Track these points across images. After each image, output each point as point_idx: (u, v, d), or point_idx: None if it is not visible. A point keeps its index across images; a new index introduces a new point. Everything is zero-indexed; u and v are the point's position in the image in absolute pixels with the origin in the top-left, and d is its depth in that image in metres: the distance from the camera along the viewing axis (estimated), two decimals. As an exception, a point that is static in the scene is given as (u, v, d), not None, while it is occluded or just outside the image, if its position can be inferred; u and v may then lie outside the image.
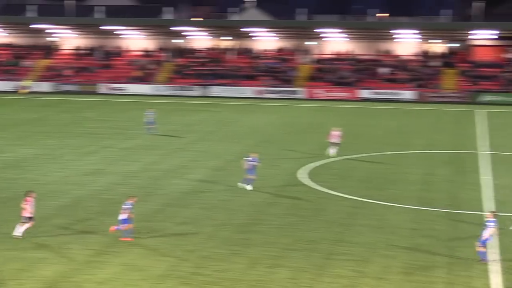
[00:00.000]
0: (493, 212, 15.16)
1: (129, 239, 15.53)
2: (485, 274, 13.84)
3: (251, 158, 22.92)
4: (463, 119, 47.23)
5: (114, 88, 64.54)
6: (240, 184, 23.16)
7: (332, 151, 30.57)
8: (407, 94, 60.80)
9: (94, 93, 64.06)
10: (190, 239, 16.33)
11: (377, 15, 79.20)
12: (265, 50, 69.90)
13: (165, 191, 23.15)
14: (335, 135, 30.46)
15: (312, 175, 27.00)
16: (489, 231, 14.31)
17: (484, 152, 32.79)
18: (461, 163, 30.33)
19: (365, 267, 14.42)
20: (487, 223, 14.41)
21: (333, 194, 23.25)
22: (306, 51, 68.54)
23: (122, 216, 15.34)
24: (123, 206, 15.53)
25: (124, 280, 12.71)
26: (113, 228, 15.71)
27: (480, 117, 47.64)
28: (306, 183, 25.46)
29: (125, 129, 41.15)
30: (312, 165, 29.30)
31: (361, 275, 13.78)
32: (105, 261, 14.14)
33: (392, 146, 35.29)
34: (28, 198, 15.85)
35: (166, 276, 13.12)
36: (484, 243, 14.23)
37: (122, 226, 15.30)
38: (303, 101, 60.70)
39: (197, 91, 63.43)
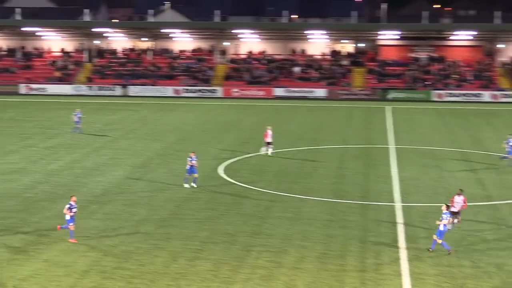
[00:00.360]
0: (447, 205, 15.74)
1: (74, 240, 15.46)
2: (395, 262, 14.45)
3: (192, 158, 23.06)
4: (372, 115, 49.81)
5: (34, 89, 64.38)
6: (186, 185, 23.17)
7: (266, 149, 30.77)
8: (319, 92, 63.09)
9: (14, 93, 63.05)
10: (112, 235, 16.51)
11: (291, 16, 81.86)
12: (183, 51, 71.77)
13: (87, 189, 23.14)
14: (269, 134, 30.56)
15: (230, 170, 27.23)
16: (444, 222, 14.83)
17: (391, 146, 34.79)
18: (372, 157, 31.80)
19: (282, 257, 14.68)
20: (443, 215, 14.93)
21: (250, 189, 23.51)
22: (223, 51, 70.66)
23: (67, 216, 15.42)
24: (67, 206, 15.49)
25: (47, 276, 12.76)
26: (59, 226, 15.92)
27: (388, 113, 50.63)
28: (224, 178, 25.60)
29: (46, 129, 40.90)
30: (230, 161, 29.58)
31: (278, 265, 14.03)
32: (27, 258, 14.20)
33: (306, 141, 36.24)
34: None
35: (89, 271, 13.25)
36: (441, 234, 14.77)
37: (70, 226, 15.39)
38: (220, 100, 61.60)
39: (117, 91, 64.10)
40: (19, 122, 44.04)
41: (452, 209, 15.80)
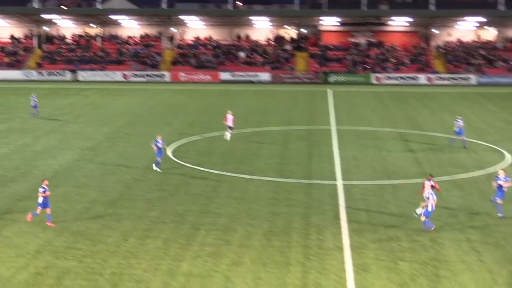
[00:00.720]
0: (432, 185, 16.47)
1: (51, 224, 15.59)
2: (337, 237, 15.14)
3: (159, 141, 23.11)
4: (315, 98, 51.02)
5: (-17, 75, 63.22)
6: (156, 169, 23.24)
7: (227, 134, 30.39)
8: (264, 76, 64.37)
9: (-37, 80, 61.27)
10: (64, 216, 16.77)
11: (236, 3, 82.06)
12: (131, 37, 73.83)
13: (38, 171, 23.16)
14: (230, 118, 30.34)
15: (178, 152, 27.60)
16: (431, 203, 15.38)
17: (333, 127, 35.82)
18: (314, 138, 32.63)
19: (229, 235, 15.22)
20: (429, 195, 15.53)
21: (198, 169, 23.96)
22: (170, 37, 72.27)
23: (40, 199, 15.67)
24: (40, 190, 15.69)
25: (-1, 258, 12.96)
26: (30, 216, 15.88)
27: (330, 95, 51.99)
28: (173, 160, 25.86)
29: (-4, 113, 40.79)
30: (178, 143, 29.93)
31: (226, 243, 14.55)
32: (-22, 240, 14.30)
33: (251, 123, 36.64)
34: None
35: (41, 252, 13.61)
36: (427, 214, 15.37)
37: (38, 210, 15.59)
38: (168, 84, 63.00)
39: (66, 76, 64.66)
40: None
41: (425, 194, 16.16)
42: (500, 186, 16.81)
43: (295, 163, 26.11)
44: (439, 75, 63.68)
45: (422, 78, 63.13)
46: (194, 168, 24.23)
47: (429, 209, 15.48)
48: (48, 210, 15.69)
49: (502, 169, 19.26)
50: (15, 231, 15.29)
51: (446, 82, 62.68)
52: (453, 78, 63.34)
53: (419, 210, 16.06)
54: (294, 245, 14.38)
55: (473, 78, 62.63)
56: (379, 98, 51.26)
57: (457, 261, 13.32)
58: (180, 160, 25.65)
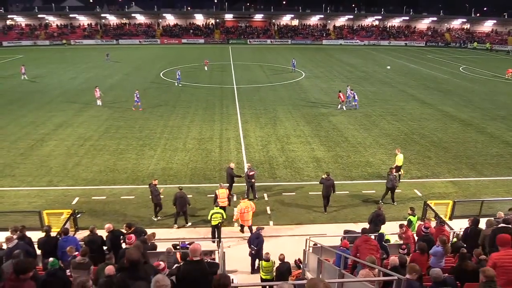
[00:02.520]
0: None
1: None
2: (234, 109, 33.39)
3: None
4: (224, 50, 69.27)
5: None
6: None
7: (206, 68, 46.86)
8: (201, 40, 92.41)
9: None
10: None
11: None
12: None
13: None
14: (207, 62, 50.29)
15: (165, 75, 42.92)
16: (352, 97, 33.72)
17: (232, 62, 53.16)
18: (225, 67, 48.08)
19: (188, 109, 32.75)
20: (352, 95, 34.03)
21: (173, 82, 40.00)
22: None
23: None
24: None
25: None
26: None
27: (230, 49, 71.31)
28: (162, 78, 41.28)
29: None
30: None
31: (186, 112, 32.45)
32: None
33: (199, 60, 52.22)
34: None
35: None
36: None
37: None
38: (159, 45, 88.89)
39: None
40: None
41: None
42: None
43: (215, 77, 45.07)
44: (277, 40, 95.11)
45: (268, 41, 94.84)
46: (171, 81, 41.66)
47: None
48: None
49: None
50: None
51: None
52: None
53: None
54: (216, 112, 32.63)
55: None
56: (251, 50, 78.76)
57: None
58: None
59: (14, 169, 21.55)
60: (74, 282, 6.88)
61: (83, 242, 11.69)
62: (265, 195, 19.05)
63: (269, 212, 17.56)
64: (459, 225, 14.28)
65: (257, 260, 13.87)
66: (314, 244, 13.48)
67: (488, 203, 17.23)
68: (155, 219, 16.96)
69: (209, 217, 15.51)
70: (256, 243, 13.60)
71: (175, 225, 16.56)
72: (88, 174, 21.05)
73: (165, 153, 23.95)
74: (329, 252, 12.23)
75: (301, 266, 13.34)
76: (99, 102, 34.56)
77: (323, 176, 17.85)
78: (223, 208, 16.11)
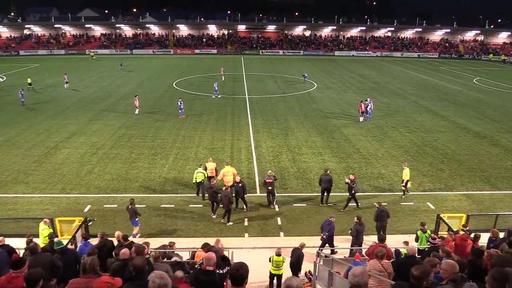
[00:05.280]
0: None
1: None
2: (246, 119, 33.48)
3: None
4: (236, 60, 69.88)
5: None
6: None
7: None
8: (213, 51, 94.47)
9: None
10: None
11: None
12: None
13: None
14: (222, 70, 54.98)
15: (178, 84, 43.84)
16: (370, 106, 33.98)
17: (243, 72, 53.86)
18: (237, 77, 48.78)
19: (200, 119, 33.12)
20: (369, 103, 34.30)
21: (187, 92, 39.90)
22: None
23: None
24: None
25: None
26: None
27: (242, 59, 72.19)
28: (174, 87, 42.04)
29: None
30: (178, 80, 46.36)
31: (199, 122, 32.65)
32: None
33: (212, 71, 53.34)
34: None
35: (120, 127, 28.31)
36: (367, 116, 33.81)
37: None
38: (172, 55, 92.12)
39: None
40: None
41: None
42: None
43: (227, 87, 45.56)
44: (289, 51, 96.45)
45: (280, 52, 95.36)
46: (184, 91, 41.20)
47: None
48: None
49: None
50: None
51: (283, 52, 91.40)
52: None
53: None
54: (228, 122, 32.71)
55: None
56: (264, 60, 78.45)
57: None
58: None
59: (28, 176, 21.82)
60: (86, 262, 7.01)
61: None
62: (276, 206, 18.98)
63: (279, 223, 17.46)
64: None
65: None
66: (325, 256, 13.37)
67: (502, 217, 16.92)
68: (214, 216, 17.85)
69: (194, 176, 19.50)
70: (327, 229, 15.05)
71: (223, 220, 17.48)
72: (100, 182, 21.21)
73: (176, 162, 24.07)
74: (340, 265, 12.10)
75: (312, 278, 13.22)
76: (137, 111, 35.09)
77: (322, 173, 19.55)
78: (211, 177, 19.36)
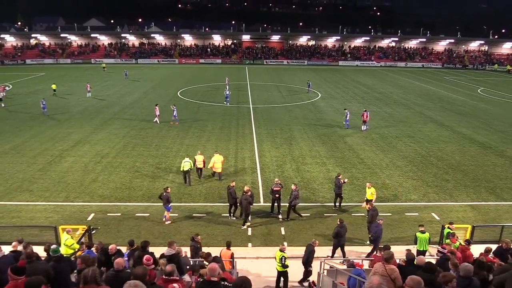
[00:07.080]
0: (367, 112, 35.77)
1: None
2: (250, 129, 33.49)
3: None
4: (240, 70, 70.34)
5: None
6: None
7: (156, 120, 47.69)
8: (218, 60, 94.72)
9: None
10: None
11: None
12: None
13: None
14: (227, 79, 54.33)
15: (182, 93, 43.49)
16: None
17: (248, 82, 54.03)
18: (241, 86, 48.88)
19: (204, 128, 33.19)
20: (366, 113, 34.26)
21: (192, 101, 40.18)
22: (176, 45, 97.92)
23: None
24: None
25: None
26: None
27: (247, 69, 72.35)
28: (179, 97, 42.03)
29: None
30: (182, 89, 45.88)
31: (202, 131, 32.74)
32: None
33: (216, 80, 53.71)
34: None
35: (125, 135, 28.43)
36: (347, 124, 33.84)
37: None
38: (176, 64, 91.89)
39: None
40: None
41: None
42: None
43: (231, 96, 45.37)
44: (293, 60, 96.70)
45: (284, 61, 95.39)
46: (189, 100, 42.20)
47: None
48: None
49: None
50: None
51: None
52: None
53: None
54: (232, 132, 32.70)
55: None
56: (268, 70, 78.57)
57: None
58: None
59: (32, 184, 21.88)
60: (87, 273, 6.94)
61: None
62: (280, 216, 18.90)
63: (283, 233, 17.38)
64: (478, 251, 13.90)
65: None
66: (330, 267, 13.28)
67: (508, 228, 16.76)
68: (233, 218, 18.53)
69: (181, 166, 21.99)
70: (374, 231, 15.55)
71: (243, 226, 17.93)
72: (104, 190, 21.23)
73: (180, 171, 24.03)
74: (344, 275, 12.00)
75: (316, 289, 13.13)
76: (157, 120, 35.33)
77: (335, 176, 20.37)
78: (200, 169, 22.96)
